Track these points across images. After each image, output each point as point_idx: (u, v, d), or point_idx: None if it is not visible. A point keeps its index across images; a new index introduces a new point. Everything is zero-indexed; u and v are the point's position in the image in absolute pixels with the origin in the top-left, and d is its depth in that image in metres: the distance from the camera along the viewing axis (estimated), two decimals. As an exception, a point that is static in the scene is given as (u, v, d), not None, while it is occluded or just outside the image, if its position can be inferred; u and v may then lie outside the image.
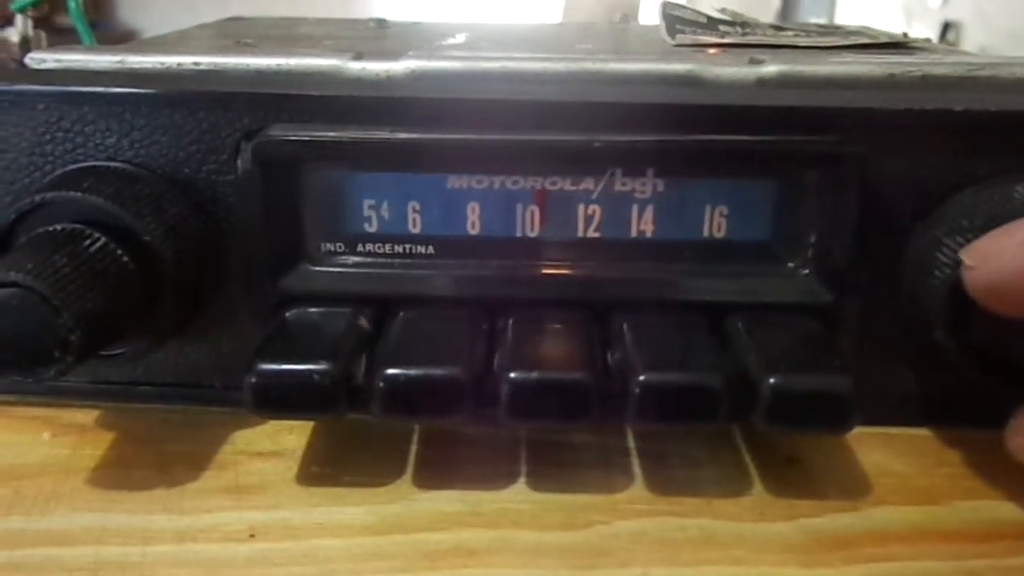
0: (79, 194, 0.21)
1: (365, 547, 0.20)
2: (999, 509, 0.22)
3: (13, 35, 0.36)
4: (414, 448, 0.24)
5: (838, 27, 0.37)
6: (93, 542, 0.20)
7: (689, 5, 0.36)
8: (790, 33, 0.33)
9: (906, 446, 0.24)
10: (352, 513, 0.21)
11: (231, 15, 0.41)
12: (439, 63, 0.25)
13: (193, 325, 0.24)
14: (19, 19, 0.36)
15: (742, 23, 0.34)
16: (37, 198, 0.21)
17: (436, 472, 0.23)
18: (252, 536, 0.20)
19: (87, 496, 0.22)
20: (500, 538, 0.21)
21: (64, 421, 0.24)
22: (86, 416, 0.25)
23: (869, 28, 0.36)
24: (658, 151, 0.22)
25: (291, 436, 0.24)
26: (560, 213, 0.23)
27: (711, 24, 0.34)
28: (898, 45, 0.31)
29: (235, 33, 0.34)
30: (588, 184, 0.23)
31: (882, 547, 0.20)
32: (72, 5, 0.33)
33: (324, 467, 0.23)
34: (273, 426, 0.24)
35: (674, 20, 0.34)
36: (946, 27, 1.97)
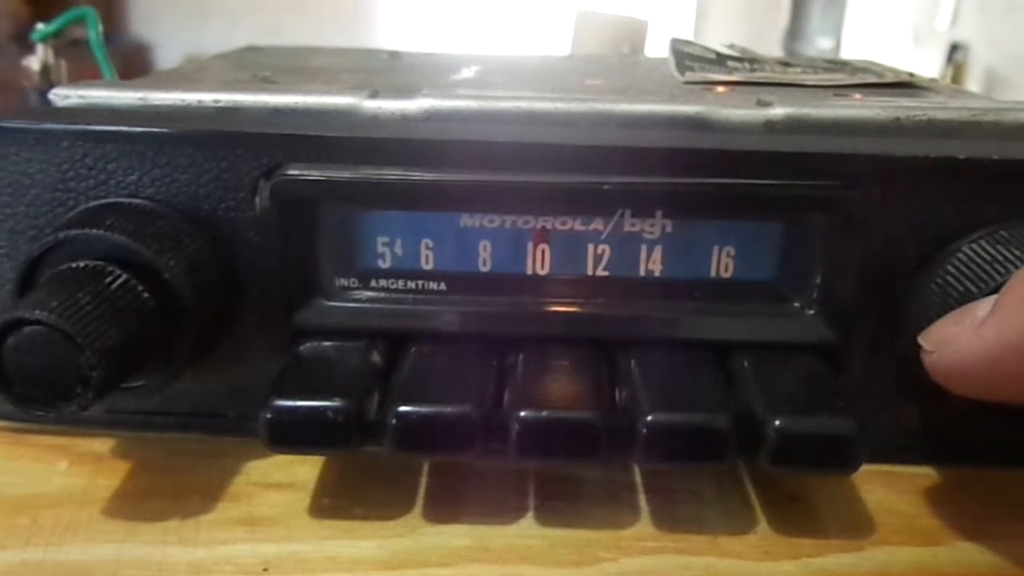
0: (101, 231, 0.21)
1: (376, 582, 0.21)
2: (1003, 550, 0.22)
3: (34, 63, 0.36)
4: (424, 480, 0.24)
5: (845, 63, 0.37)
6: (109, 574, 0.20)
7: (697, 41, 0.37)
8: (797, 70, 0.33)
9: (910, 485, 0.24)
10: (363, 547, 0.22)
11: (239, 27, 0.41)
12: (453, 102, 0.25)
13: (210, 357, 0.24)
14: (40, 47, 0.37)
15: (750, 59, 0.35)
16: (60, 235, 0.22)
17: (445, 505, 0.23)
18: (265, 570, 0.21)
19: (103, 527, 0.22)
20: (507, 574, 0.21)
21: (81, 450, 0.25)
22: (103, 445, 0.25)
23: (875, 64, 0.37)
24: (667, 193, 0.23)
25: (303, 467, 0.24)
26: (570, 252, 0.24)
27: (719, 60, 0.34)
28: (904, 85, 0.31)
29: (253, 65, 0.34)
30: (598, 224, 0.24)
31: (885, 588, 0.21)
32: (93, 36, 0.34)
33: (336, 499, 0.23)
34: (286, 457, 0.25)
35: (683, 56, 0.34)
36: (954, 48, 1.98)
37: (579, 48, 0.64)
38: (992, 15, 1.85)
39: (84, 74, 0.35)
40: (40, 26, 0.36)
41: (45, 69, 0.36)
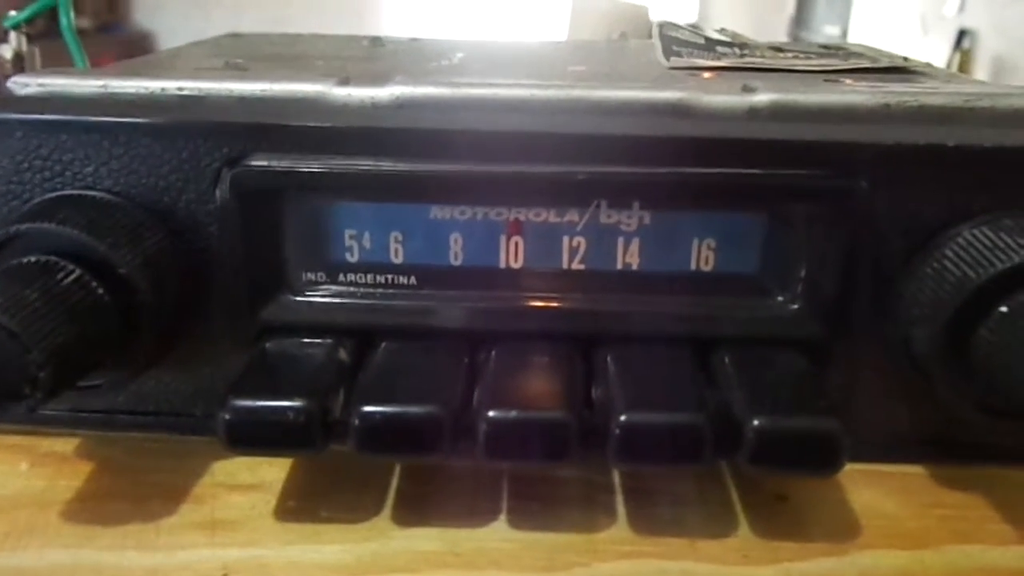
0: (54, 225, 0.21)
1: (338, 588, 0.20)
2: (991, 555, 0.21)
3: (7, 52, 0.35)
4: (394, 482, 0.23)
5: (839, 48, 0.36)
6: (63, 579, 0.20)
7: (687, 26, 0.36)
8: (789, 55, 0.32)
9: (898, 484, 0.24)
10: (328, 551, 0.21)
11: (243, 17, 0.40)
12: (425, 89, 0.24)
13: (173, 354, 0.23)
14: (12, 35, 0.36)
15: (740, 44, 0.34)
16: (12, 229, 0.21)
17: (415, 508, 0.22)
18: (225, 575, 0.20)
19: (61, 531, 0.21)
20: (477, 580, 0.20)
21: (43, 450, 0.24)
22: (65, 444, 0.25)
23: (871, 48, 0.36)
24: (644, 183, 0.22)
25: (271, 468, 0.24)
26: (544, 245, 0.23)
27: (708, 45, 0.33)
28: (898, 70, 0.30)
29: (229, 52, 0.33)
30: (573, 216, 0.23)
31: (869, 594, 0.20)
32: (64, 23, 0.33)
33: (302, 501, 0.23)
34: (254, 458, 0.24)
35: (670, 41, 0.33)
36: (961, 35, 1.95)
37: (576, 34, 0.63)
38: (1000, 1, 1.82)
39: (60, 63, 0.34)
40: (12, 13, 0.35)
41: (18, 57, 0.35)
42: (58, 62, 0.33)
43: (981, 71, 1.84)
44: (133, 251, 0.21)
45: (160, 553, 0.21)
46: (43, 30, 0.36)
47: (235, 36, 0.40)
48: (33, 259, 0.20)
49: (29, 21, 0.35)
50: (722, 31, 0.36)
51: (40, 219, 0.21)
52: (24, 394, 0.19)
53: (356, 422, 0.20)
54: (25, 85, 0.24)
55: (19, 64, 0.35)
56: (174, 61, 0.31)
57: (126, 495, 0.23)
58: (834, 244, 0.22)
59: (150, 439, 0.25)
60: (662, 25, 0.35)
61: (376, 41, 0.38)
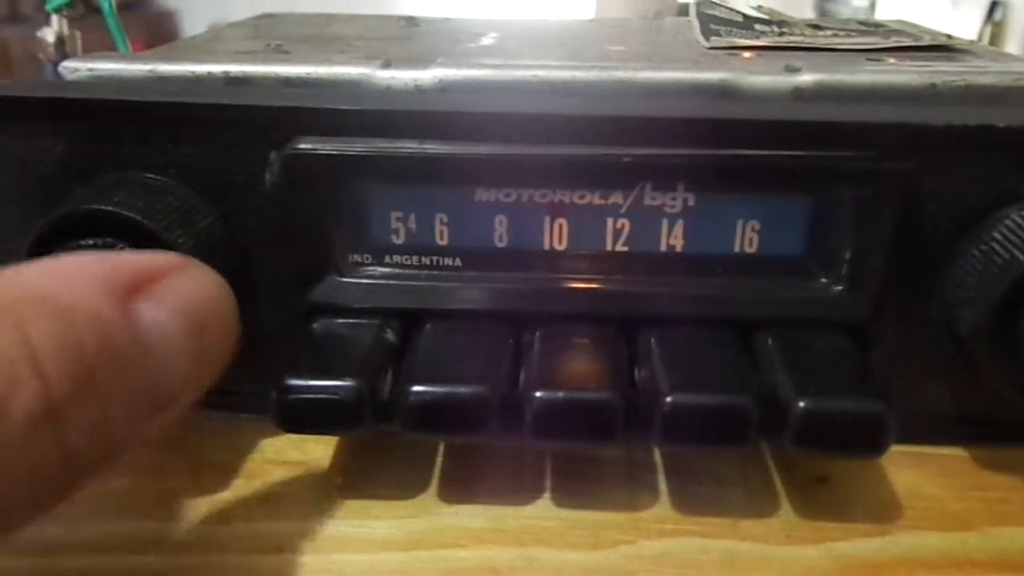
0: (110, 208, 0.21)
1: (388, 563, 0.20)
2: (1035, 537, 0.21)
3: (49, 35, 0.36)
4: (439, 460, 0.24)
5: (879, 25, 0.36)
6: (122, 551, 0.20)
7: (723, 3, 0.35)
8: (828, 33, 0.32)
9: (940, 467, 0.24)
10: (376, 527, 0.21)
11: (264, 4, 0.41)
12: (468, 72, 0.24)
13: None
14: (54, 19, 0.36)
15: (779, 22, 0.34)
16: (68, 211, 0.21)
17: (460, 486, 0.23)
18: (279, 549, 0.21)
19: (121, 504, 0.22)
20: (523, 556, 0.21)
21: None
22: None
23: (911, 24, 0.35)
24: (689, 165, 0.22)
25: (317, 446, 0.24)
26: (588, 227, 0.23)
27: (747, 23, 0.33)
28: (942, 48, 0.30)
29: (267, 33, 0.34)
30: (617, 198, 0.23)
31: (911, 574, 0.20)
32: (106, 6, 0.33)
33: (349, 479, 0.23)
34: (300, 436, 0.24)
35: (709, 20, 0.33)
36: (993, 6, 1.91)
37: (603, 11, 0.63)
38: (1035, -29, 1.78)
39: (102, 45, 0.35)
40: (54, -3, 0.35)
41: (60, 41, 0.36)
42: (99, 45, 0.34)
43: (1013, 44, 1.80)
44: (185, 234, 0.22)
45: (216, 527, 0.21)
46: (83, 13, 0.37)
47: (270, 17, 0.40)
48: (91, 242, 0.21)
49: (70, 4, 0.35)
50: (759, 8, 0.36)
51: (96, 201, 0.21)
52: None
53: (406, 401, 0.20)
54: (75, 70, 0.25)
55: (61, 48, 0.35)
56: (215, 44, 0.31)
57: (180, 470, 0.23)
58: (880, 226, 0.22)
59: (199, 416, 0.25)
60: (700, 3, 0.35)
61: (411, 21, 0.38)
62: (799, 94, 0.24)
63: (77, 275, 0.14)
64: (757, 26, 0.33)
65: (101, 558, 0.20)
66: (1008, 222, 0.21)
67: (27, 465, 0.13)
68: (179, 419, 0.16)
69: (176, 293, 0.16)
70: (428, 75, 0.24)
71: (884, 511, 0.22)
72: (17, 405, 0.12)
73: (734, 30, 0.32)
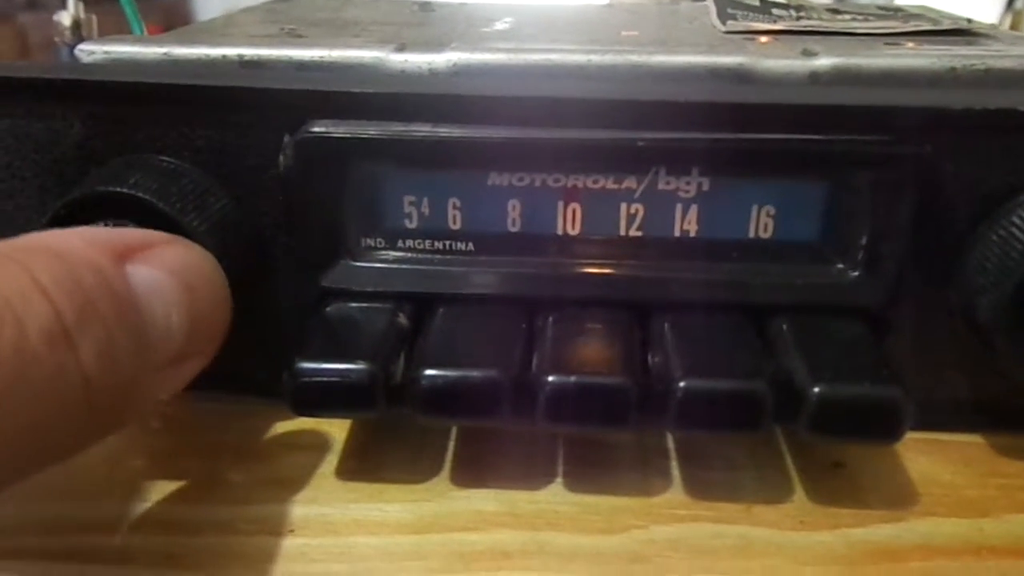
0: (125, 190, 0.21)
1: (402, 546, 0.20)
2: (1052, 524, 0.21)
3: (65, 18, 0.36)
4: (452, 444, 0.24)
5: (898, 9, 0.35)
6: (136, 531, 0.21)
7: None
8: (847, 17, 0.31)
9: (956, 453, 0.24)
10: (389, 510, 0.21)
11: None
12: (482, 56, 0.24)
13: (236, 318, 0.24)
14: (71, 2, 0.36)
15: (796, 6, 0.33)
16: (84, 193, 0.21)
17: (473, 470, 0.23)
18: (292, 531, 0.21)
19: (136, 485, 0.22)
20: (535, 540, 0.21)
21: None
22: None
23: (930, 9, 0.35)
24: (704, 150, 0.22)
25: (331, 429, 0.24)
26: (601, 211, 0.23)
27: (763, 8, 0.33)
28: (961, 32, 0.29)
29: (281, 17, 0.34)
30: (631, 183, 0.23)
31: (927, 561, 0.20)
32: (121, -8, 0.33)
33: (363, 462, 0.23)
34: (313, 419, 0.25)
35: (725, 4, 0.33)
36: (1015, -7, 1.89)
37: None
38: (1058, -43, 1.75)
39: (118, 29, 0.35)
40: (69, -19, 0.35)
41: (76, 24, 0.36)
42: (115, 28, 0.34)
43: (1035, 32, 1.78)
44: (199, 216, 0.22)
45: (230, 508, 0.21)
46: (98, -3, 0.37)
47: (284, 1, 0.40)
48: (105, 224, 0.21)
49: (85, -12, 0.35)
50: (776, -8, 0.36)
51: (111, 183, 0.21)
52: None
53: (418, 385, 0.20)
54: (91, 53, 0.25)
55: (77, 31, 0.36)
56: (229, 28, 0.31)
57: (195, 453, 0.23)
58: (897, 211, 0.22)
59: (212, 399, 0.25)
60: (716, -13, 0.35)
61: (425, 6, 0.38)
62: (816, 78, 0.23)
63: (77, 238, 0.16)
64: (774, 10, 0.32)
65: (115, 538, 0.21)
66: None
67: (51, 384, 0.14)
68: (190, 378, 0.18)
69: (165, 257, 0.18)
70: (442, 59, 0.24)
71: (900, 498, 0.22)
72: (33, 322, 0.14)
73: (751, 14, 0.32)
